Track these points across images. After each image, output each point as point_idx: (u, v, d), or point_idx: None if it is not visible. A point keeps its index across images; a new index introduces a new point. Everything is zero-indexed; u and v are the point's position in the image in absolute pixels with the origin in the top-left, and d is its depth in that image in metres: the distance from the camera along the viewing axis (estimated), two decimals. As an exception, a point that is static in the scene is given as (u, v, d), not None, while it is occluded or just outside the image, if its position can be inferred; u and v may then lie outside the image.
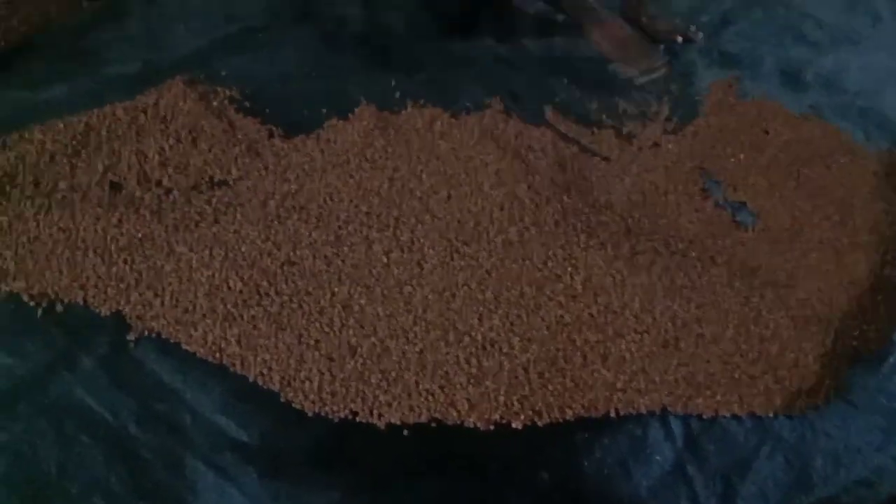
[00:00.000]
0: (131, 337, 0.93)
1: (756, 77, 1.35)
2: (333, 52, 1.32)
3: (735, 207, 1.14)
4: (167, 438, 0.86)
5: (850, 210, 1.14)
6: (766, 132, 1.25)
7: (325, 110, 1.19)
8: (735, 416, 0.93)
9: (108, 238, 0.99)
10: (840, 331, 1.00)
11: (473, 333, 0.95)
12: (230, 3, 1.35)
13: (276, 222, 1.02)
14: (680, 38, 1.40)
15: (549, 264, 1.01)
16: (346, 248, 1.01)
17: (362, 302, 0.96)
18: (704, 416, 0.92)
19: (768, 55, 1.38)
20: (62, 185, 1.05)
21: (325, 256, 1.00)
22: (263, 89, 1.22)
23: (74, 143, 1.09)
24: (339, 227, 1.03)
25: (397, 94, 1.22)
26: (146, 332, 0.93)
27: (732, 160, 1.20)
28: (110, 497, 0.82)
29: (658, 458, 0.89)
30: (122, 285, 0.96)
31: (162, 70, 1.24)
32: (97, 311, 0.95)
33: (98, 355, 0.92)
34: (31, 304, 0.95)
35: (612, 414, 0.92)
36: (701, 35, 1.40)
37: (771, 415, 0.93)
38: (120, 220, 1.01)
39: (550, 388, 0.92)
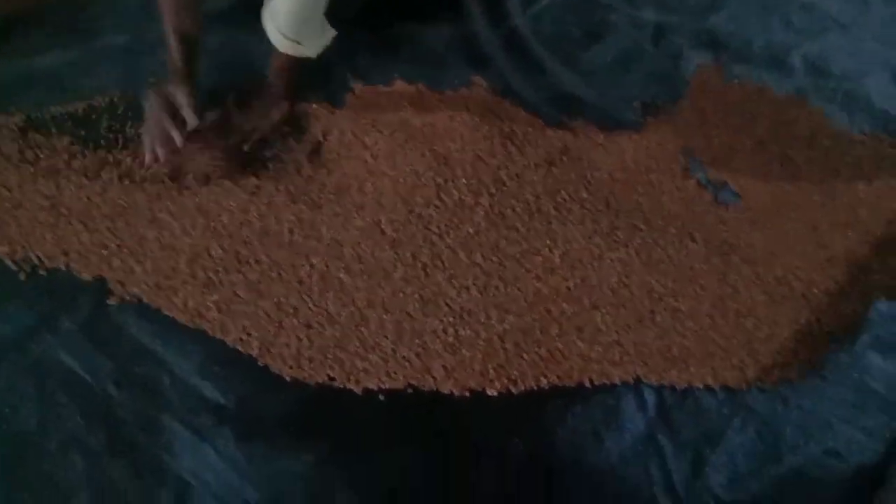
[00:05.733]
0: (112, 301, 0.94)
1: (743, 60, 1.35)
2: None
3: (717, 187, 1.15)
4: (145, 400, 0.87)
5: (832, 191, 1.15)
6: (751, 114, 1.25)
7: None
8: (708, 388, 0.93)
9: (92, 205, 1.00)
10: (816, 308, 1.01)
11: (451, 303, 0.96)
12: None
13: (255, 195, 1.03)
14: None
15: (529, 237, 1.02)
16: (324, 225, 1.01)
17: (341, 275, 0.97)
18: (678, 388, 0.93)
19: (756, 38, 1.39)
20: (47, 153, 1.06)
21: (303, 230, 1.01)
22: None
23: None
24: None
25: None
26: (127, 298, 0.94)
27: (716, 141, 1.21)
28: (88, 454, 0.83)
29: (630, 427, 0.90)
30: (104, 251, 0.97)
31: (152, 41, 1.25)
32: (79, 275, 0.96)
33: (79, 318, 0.92)
34: (15, 268, 0.96)
35: (587, 384, 0.93)
36: None
37: (744, 387, 0.94)
38: (104, 189, 1.02)
39: (526, 357, 0.93)
